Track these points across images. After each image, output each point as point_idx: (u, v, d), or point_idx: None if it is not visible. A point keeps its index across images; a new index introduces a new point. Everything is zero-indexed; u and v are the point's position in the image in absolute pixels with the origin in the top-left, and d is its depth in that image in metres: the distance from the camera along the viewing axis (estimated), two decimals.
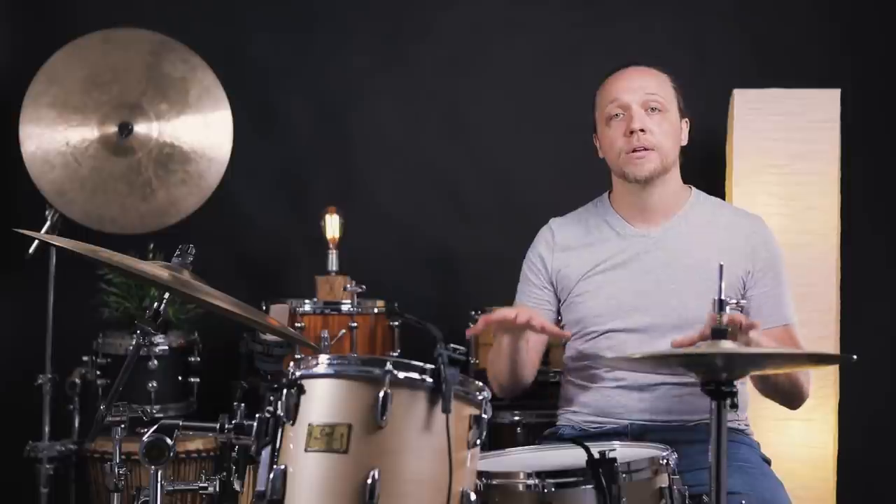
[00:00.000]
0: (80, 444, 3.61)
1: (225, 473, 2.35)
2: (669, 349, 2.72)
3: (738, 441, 2.80)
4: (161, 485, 2.29)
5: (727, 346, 2.16)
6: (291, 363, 2.17)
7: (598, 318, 2.88)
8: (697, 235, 2.88)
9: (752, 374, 2.66)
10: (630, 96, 2.86)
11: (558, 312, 3.00)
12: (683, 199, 2.94)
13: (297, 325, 3.58)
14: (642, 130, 2.83)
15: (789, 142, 3.76)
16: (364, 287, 3.59)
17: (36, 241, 3.77)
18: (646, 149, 2.83)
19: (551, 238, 3.02)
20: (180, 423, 2.29)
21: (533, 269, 3.01)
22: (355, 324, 3.60)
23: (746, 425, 2.90)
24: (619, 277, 2.88)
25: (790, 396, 2.82)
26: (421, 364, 2.10)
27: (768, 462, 2.85)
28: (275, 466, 2.09)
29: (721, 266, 2.21)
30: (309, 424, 2.08)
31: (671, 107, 2.90)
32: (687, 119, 2.96)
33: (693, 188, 2.99)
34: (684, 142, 2.94)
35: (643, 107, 2.85)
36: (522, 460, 2.50)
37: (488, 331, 2.89)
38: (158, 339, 3.67)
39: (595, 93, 2.96)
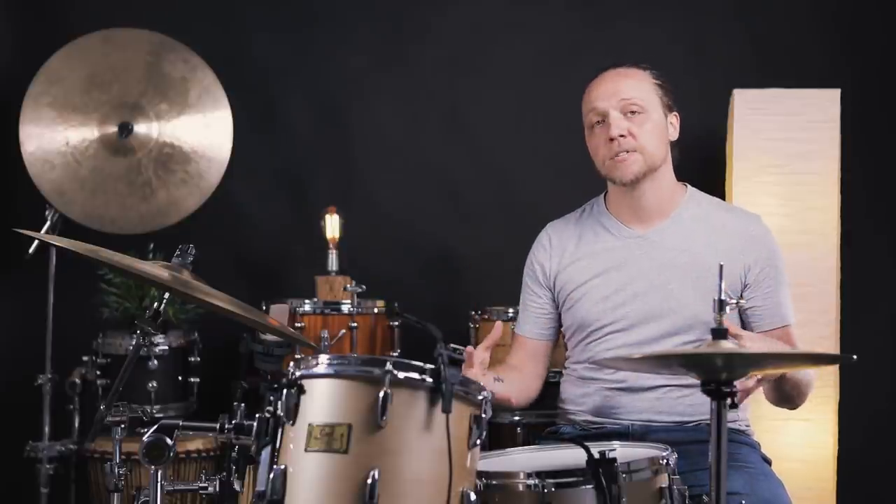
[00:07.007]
0: (80, 444, 3.62)
1: (225, 473, 2.35)
2: (669, 350, 2.74)
3: (739, 441, 2.80)
4: (161, 485, 2.29)
5: (727, 346, 2.16)
6: (291, 363, 2.16)
7: (595, 320, 2.88)
8: (692, 234, 2.87)
9: (764, 385, 2.62)
10: (606, 103, 2.84)
11: (559, 318, 3.00)
12: (678, 197, 2.92)
13: (297, 325, 3.58)
14: (622, 136, 2.81)
15: (789, 142, 3.75)
16: (364, 287, 3.59)
17: (36, 241, 3.77)
18: (628, 151, 2.82)
19: (548, 243, 3.02)
20: (180, 423, 2.29)
21: (531, 276, 3.03)
22: (355, 324, 3.60)
23: (747, 426, 2.89)
24: (615, 279, 2.88)
25: (796, 399, 2.80)
26: (421, 364, 2.10)
27: (769, 462, 2.85)
28: (275, 466, 2.09)
29: (721, 266, 2.21)
30: (309, 424, 2.08)
31: (652, 106, 2.85)
32: (676, 113, 2.91)
33: (688, 186, 2.97)
34: (673, 137, 2.91)
35: (622, 111, 2.83)
36: (522, 460, 2.50)
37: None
38: (158, 339, 3.68)
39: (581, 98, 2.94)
